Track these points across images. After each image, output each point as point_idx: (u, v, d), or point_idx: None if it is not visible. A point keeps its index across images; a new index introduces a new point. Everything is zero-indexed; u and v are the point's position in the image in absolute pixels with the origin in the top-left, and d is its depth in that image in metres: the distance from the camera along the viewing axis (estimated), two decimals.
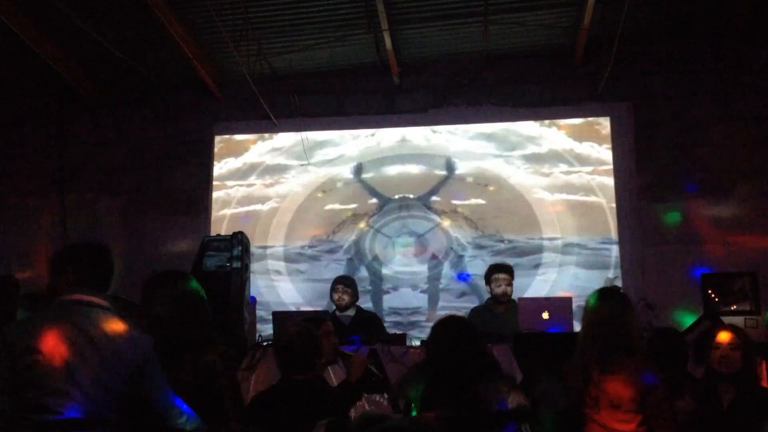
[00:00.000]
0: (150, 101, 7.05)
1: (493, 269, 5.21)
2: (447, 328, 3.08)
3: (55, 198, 6.99)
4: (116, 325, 2.42)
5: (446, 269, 6.46)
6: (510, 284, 5.12)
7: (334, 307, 5.26)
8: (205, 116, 6.97)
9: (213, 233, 6.09)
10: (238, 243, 4.82)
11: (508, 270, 5.19)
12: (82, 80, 6.83)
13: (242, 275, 4.76)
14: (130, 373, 2.38)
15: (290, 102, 6.78)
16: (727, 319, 4.50)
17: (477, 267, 6.28)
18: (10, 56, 6.47)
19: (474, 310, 5.30)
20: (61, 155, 7.07)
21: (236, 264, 4.75)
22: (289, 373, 3.07)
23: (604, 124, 6.46)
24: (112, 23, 5.97)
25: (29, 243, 6.86)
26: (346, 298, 5.18)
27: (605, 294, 3.17)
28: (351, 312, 5.18)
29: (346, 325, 4.96)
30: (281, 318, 4.63)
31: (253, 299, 5.24)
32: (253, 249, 5.47)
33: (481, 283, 5.53)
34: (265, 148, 6.94)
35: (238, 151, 6.96)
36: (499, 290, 5.08)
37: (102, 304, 2.46)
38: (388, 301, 6.47)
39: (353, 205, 6.71)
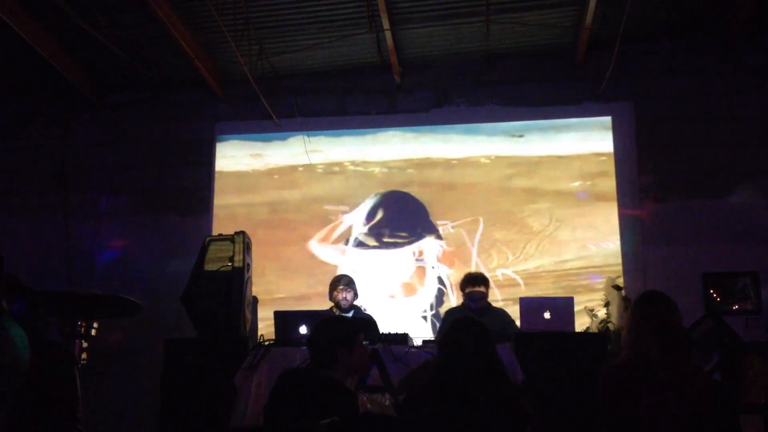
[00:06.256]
0: (152, 101, 7.06)
1: (469, 281, 4.96)
2: (461, 328, 3.04)
3: (58, 197, 6.99)
4: None
5: None
6: (486, 296, 4.94)
7: (332, 306, 5.19)
8: (207, 116, 6.97)
9: (214, 233, 6.09)
10: (239, 242, 4.82)
11: (485, 282, 4.98)
12: (84, 80, 6.83)
13: (243, 275, 4.76)
14: None
15: (292, 102, 6.78)
16: (727, 319, 4.50)
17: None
18: (12, 56, 6.48)
19: (449, 313, 5.10)
20: (64, 155, 7.07)
21: (237, 263, 4.76)
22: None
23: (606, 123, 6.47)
24: (114, 23, 5.98)
25: (31, 243, 6.86)
26: (349, 297, 5.14)
27: None
28: (349, 313, 5.11)
29: None
30: (283, 317, 4.62)
31: (255, 299, 5.24)
32: None
33: None
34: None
35: None
36: (474, 305, 4.85)
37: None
38: None
39: None
